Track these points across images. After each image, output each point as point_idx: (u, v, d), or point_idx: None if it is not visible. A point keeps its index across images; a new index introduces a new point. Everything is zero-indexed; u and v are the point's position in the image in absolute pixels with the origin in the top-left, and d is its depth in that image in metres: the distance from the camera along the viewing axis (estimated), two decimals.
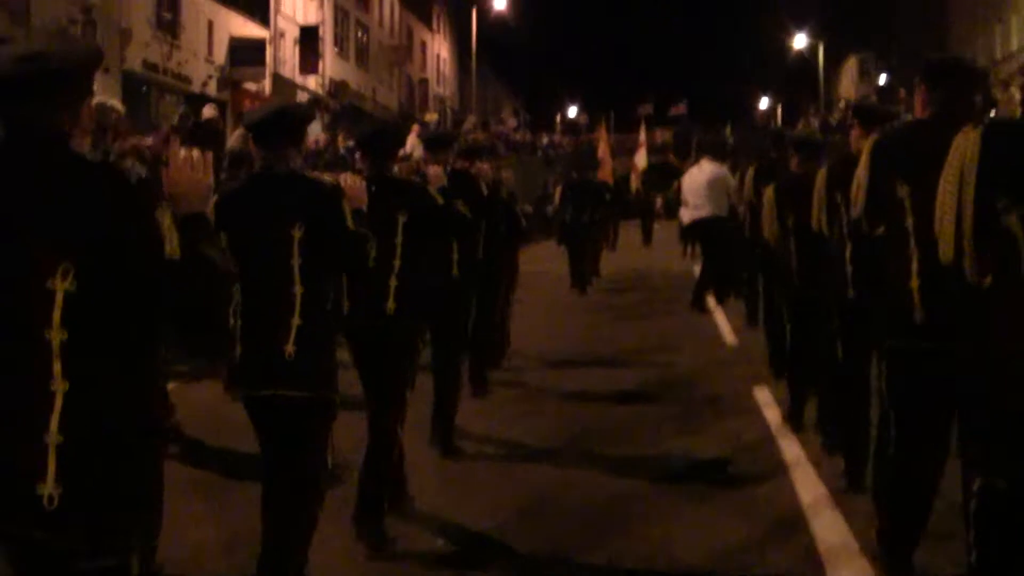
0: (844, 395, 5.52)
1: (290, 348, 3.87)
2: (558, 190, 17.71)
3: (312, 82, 34.67)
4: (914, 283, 3.85)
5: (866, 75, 53.04)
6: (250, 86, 29.62)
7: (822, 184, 5.24)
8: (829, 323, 5.50)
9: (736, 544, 4.82)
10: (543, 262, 17.25)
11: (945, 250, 2.68)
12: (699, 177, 12.60)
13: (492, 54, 53.81)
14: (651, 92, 50.41)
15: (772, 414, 7.23)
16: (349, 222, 4.04)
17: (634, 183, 26.92)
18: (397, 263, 5.02)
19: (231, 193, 4.24)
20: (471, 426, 6.91)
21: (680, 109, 47.65)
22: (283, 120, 4.14)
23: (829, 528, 4.92)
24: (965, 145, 2.59)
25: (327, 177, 4.48)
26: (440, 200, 5.37)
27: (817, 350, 6.03)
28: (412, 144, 15.18)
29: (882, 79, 47.07)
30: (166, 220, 2.36)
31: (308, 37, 33.78)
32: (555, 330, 11.82)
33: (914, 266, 3.85)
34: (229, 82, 28.38)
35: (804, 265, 6.15)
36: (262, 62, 29.62)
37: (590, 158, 22.45)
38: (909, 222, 3.86)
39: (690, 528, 5.07)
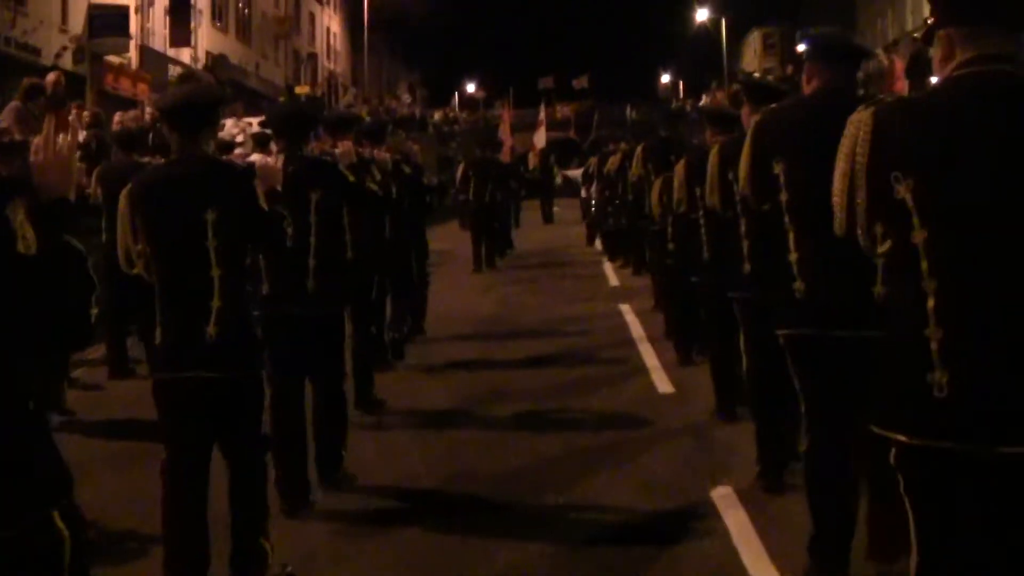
0: (750, 370, 5.70)
1: (211, 330, 4.13)
2: (460, 168, 18.18)
3: (186, 55, 33.03)
4: (792, 256, 4.10)
5: (770, 48, 54.53)
6: (113, 59, 27.83)
7: (715, 161, 5.61)
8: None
9: (635, 494, 5.60)
10: (446, 241, 17.88)
11: (839, 223, 2.81)
12: None
13: (386, 28, 53.38)
14: (552, 66, 51.08)
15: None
16: (262, 202, 4.29)
17: (532, 162, 27.47)
18: (313, 241, 5.38)
19: (145, 179, 4.52)
20: (393, 398, 7.61)
21: (582, 83, 48.27)
22: (196, 104, 4.39)
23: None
24: (857, 123, 2.70)
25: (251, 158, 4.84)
26: (351, 178, 5.78)
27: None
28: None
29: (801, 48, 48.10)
30: (18, 216, 2.36)
31: (179, 6, 32.21)
32: (465, 305, 12.53)
33: (791, 240, 4.09)
34: (88, 54, 26.47)
35: (711, 240, 6.54)
36: (126, 32, 27.61)
37: (491, 137, 22.89)
38: (783, 197, 4.11)
39: (591, 481, 5.86)
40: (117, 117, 14.76)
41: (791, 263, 4.11)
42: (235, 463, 4.34)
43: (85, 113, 13.07)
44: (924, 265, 2.55)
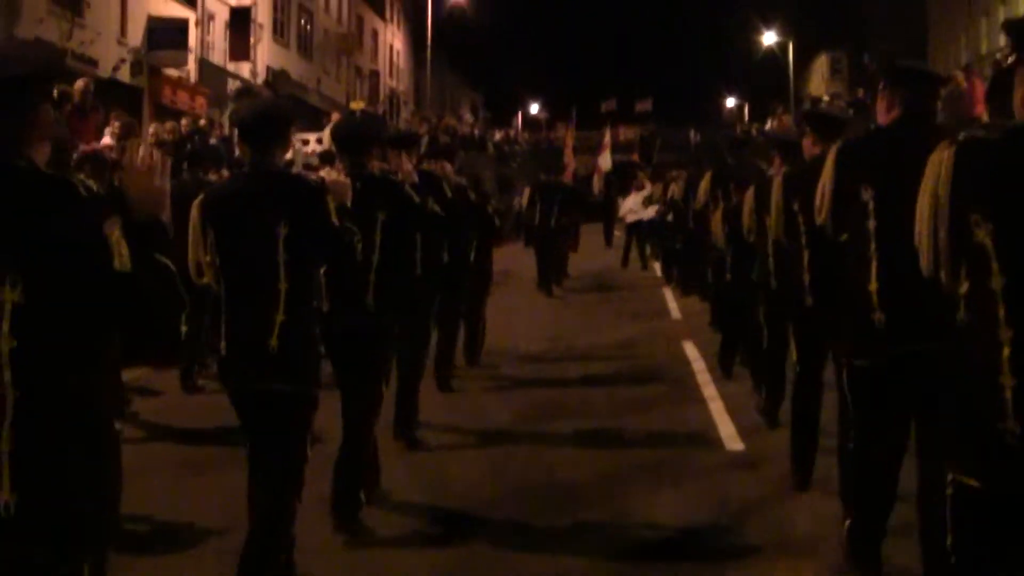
0: (796, 399, 5.98)
1: (273, 343, 4.21)
2: (527, 192, 18.37)
3: (245, 70, 32.97)
4: (873, 286, 4.10)
5: (837, 73, 54.13)
6: (171, 72, 27.65)
7: (779, 192, 5.63)
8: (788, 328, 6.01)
9: (686, 511, 5.78)
10: (509, 262, 18.03)
11: (925, 264, 2.78)
12: None
13: (449, 47, 53.76)
14: (615, 88, 51.04)
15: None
16: (333, 219, 4.35)
17: (596, 185, 27.50)
18: (376, 259, 5.43)
19: (218, 191, 4.65)
20: (439, 418, 7.73)
21: (645, 105, 48.12)
22: (270, 118, 4.51)
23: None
24: (939, 162, 2.68)
25: (322, 173, 4.92)
26: (416, 199, 5.86)
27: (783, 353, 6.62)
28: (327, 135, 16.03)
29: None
30: (115, 233, 2.45)
31: (239, 20, 32.15)
32: (523, 328, 12.68)
33: (873, 269, 4.10)
34: (146, 67, 26.32)
35: (780, 269, 6.43)
36: (184, 45, 27.56)
37: (555, 159, 23.06)
38: (871, 225, 4.11)
39: (647, 498, 6.02)
40: (152, 129, 14.98)
41: (872, 293, 4.10)
42: (270, 477, 4.31)
43: (116, 123, 13.16)
44: (1001, 312, 2.53)
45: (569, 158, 24.72)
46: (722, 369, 9.23)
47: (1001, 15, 36.01)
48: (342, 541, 5.23)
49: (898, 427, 4.20)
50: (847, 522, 4.53)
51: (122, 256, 2.43)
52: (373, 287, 5.47)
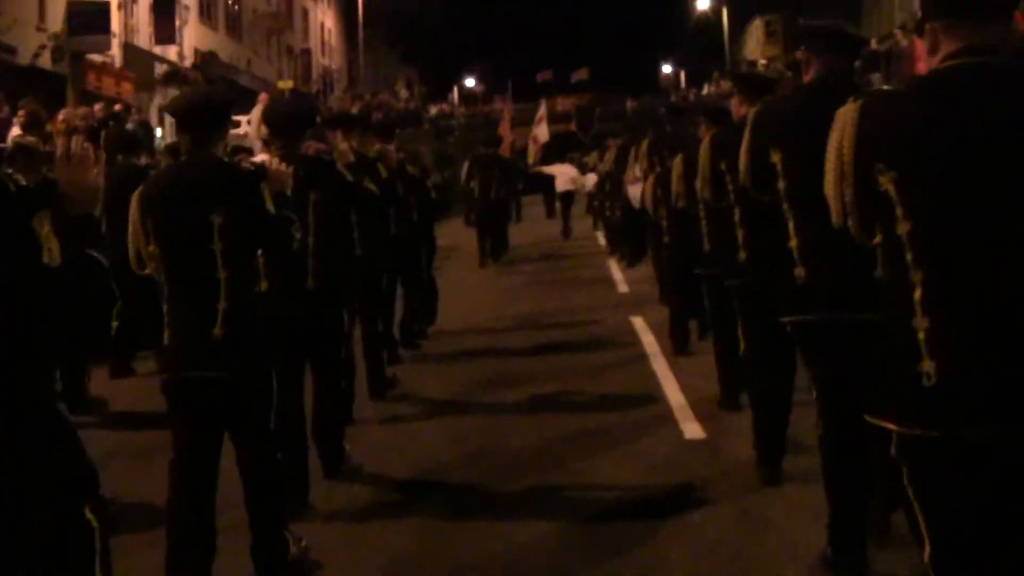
0: (749, 363, 5.82)
1: (217, 331, 4.28)
2: (464, 166, 18.54)
3: (173, 53, 32.37)
4: (793, 242, 4.25)
5: (772, 36, 54.57)
6: (95, 57, 27.11)
7: (706, 153, 5.76)
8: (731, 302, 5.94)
9: (634, 472, 6.01)
10: (454, 236, 18.38)
11: (835, 215, 2.85)
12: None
13: (383, 23, 53.43)
14: (551, 60, 51.15)
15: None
16: (269, 206, 4.43)
17: (533, 156, 27.59)
18: (312, 241, 5.50)
19: (156, 181, 4.68)
20: (401, 388, 8.11)
21: (581, 75, 48.30)
22: (208, 107, 4.56)
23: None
24: (844, 116, 2.77)
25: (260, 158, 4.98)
26: (349, 178, 5.93)
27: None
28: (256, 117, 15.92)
29: None
30: (44, 228, 2.48)
31: (163, 2, 31.66)
32: (468, 302, 12.89)
33: (791, 227, 4.24)
34: (67, 53, 25.77)
35: (712, 231, 6.61)
36: (107, 29, 26.87)
37: (492, 133, 23.15)
38: (781, 185, 4.26)
39: (597, 461, 6.27)
40: (62, 115, 14.63)
41: (792, 249, 4.26)
42: (248, 460, 4.48)
43: (22, 113, 13.01)
44: (909, 256, 2.63)
45: (505, 131, 24.79)
46: (673, 345, 9.15)
47: None
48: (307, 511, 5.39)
49: (845, 382, 4.16)
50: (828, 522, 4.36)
51: (51, 251, 2.47)
52: (312, 271, 5.55)
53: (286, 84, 28.62)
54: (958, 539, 2.62)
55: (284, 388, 5.50)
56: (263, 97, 22.47)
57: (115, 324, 4.76)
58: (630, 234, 14.98)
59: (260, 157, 5.08)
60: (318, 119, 8.90)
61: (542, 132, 27.60)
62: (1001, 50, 2.70)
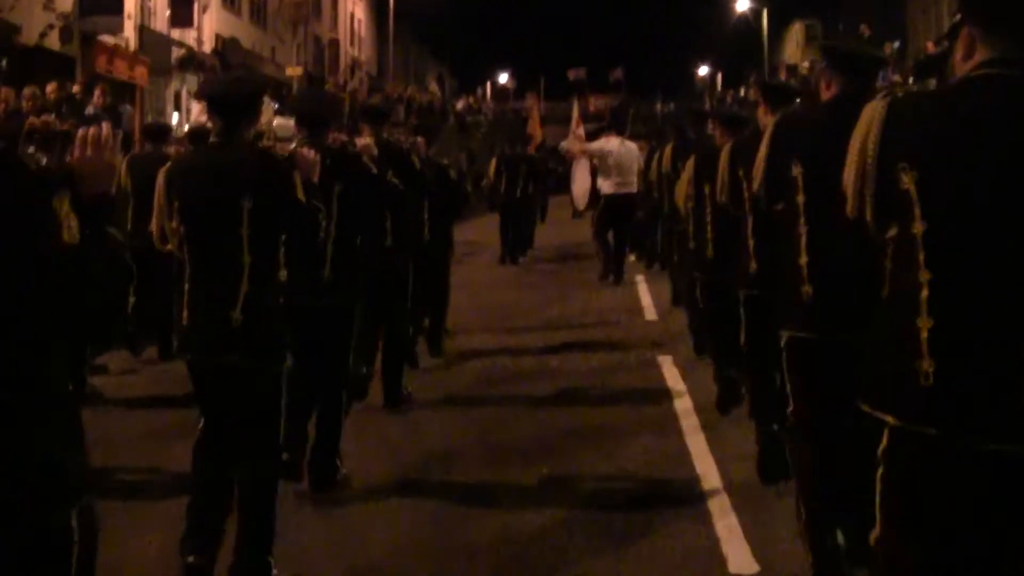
0: (749, 369, 6.14)
1: (237, 315, 4.36)
2: (492, 163, 18.73)
3: (191, 38, 31.59)
4: (803, 259, 4.31)
5: (812, 40, 54.45)
6: (107, 39, 26.06)
7: (726, 159, 5.91)
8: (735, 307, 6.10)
9: (637, 465, 6.39)
10: (473, 233, 18.67)
11: (850, 206, 2.93)
12: (627, 154, 14.47)
13: (415, 16, 53.54)
14: (586, 57, 51.22)
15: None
16: (299, 194, 4.52)
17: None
18: (333, 231, 5.64)
19: (183, 162, 4.82)
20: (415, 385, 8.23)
21: (617, 74, 48.32)
22: (240, 92, 4.69)
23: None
24: (871, 113, 2.85)
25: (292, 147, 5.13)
26: (374, 170, 6.13)
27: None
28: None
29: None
30: (64, 206, 2.51)
31: None
32: (486, 299, 13.20)
33: (803, 243, 4.32)
34: (77, 33, 24.74)
35: (718, 238, 6.91)
36: (120, 10, 26.06)
37: (520, 130, 23.32)
38: (800, 200, 4.33)
39: (603, 453, 6.61)
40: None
41: (801, 266, 4.35)
42: (247, 463, 4.52)
43: (26, 94, 13.07)
44: (921, 256, 2.72)
45: (534, 128, 24.95)
46: (695, 347, 9.34)
47: None
48: (311, 507, 5.61)
49: (833, 403, 4.26)
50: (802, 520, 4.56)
51: (71, 229, 2.52)
52: (330, 260, 5.69)
53: (295, 71, 28.23)
54: (912, 539, 2.75)
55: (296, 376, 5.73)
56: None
57: (132, 300, 4.91)
58: (650, 236, 15.21)
59: (298, 148, 5.16)
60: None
61: (581, 131, 27.74)
62: None
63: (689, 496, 5.82)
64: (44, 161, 2.69)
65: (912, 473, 2.76)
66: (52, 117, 9.71)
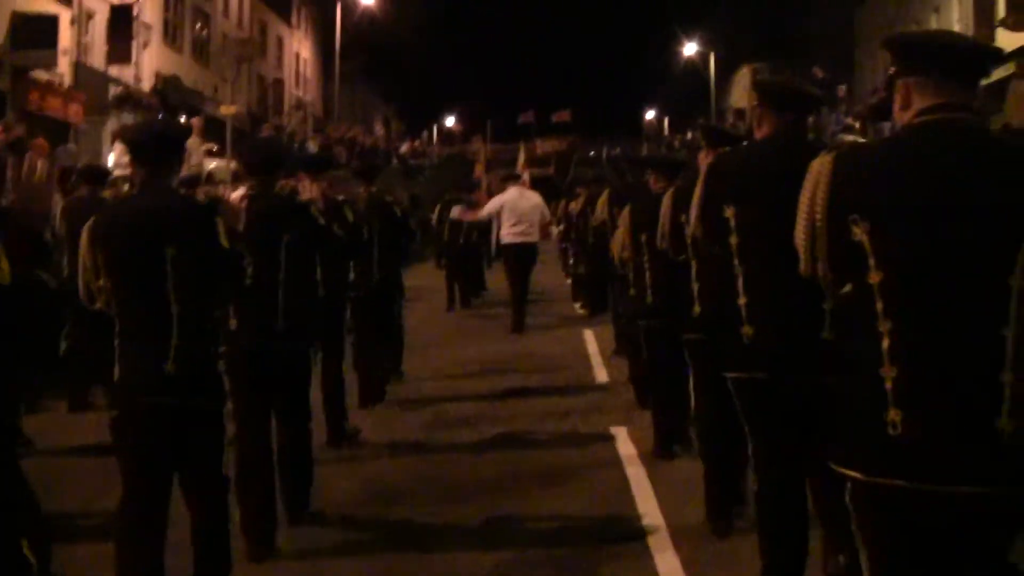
0: (699, 416, 6.15)
1: (170, 367, 4.34)
2: (436, 209, 18.75)
3: (129, 74, 30.80)
4: (741, 300, 4.40)
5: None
6: (40, 74, 25.42)
7: (668, 204, 5.96)
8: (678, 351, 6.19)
9: (583, 505, 6.60)
10: (418, 278, 18.72)
11: (803, 264, 3.01)
12: (525, 203, 14.82)
13: (362, 57, 53.62)
14: (534, 100, 51.59)
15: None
16: (223, 240, 4.52)
17: None
18: (282, 279, 5.74)
19: (108, 213, 4.78)
20: (368, 431, 8.46)
21: (564, 116, 48.60)
22: (163, 138, 4.73)
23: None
24: (819, 168, 2.92)
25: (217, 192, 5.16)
26: (321, 221, 6.15)
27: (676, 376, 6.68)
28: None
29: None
30: None
31: (120, 19, 29.76)
32: (433, 345, 13.39)
33: (740, 284, 4.41)
34: (8, 67, 24.23)
35: (657, 282, 7.03)
36: (54, 44, 25.27)
37: (467, 173, 23.39)
38: (733, 240, 4.41)
39: (549, 494, 6.83)
40: None
41: (740, 307, 4.42)
42: (196, 506, 4.55)
43: None
44: (879, 306, 2.78)
45: (480, 173, 25.09)
46: (637, 397, 9.37)
47: (934, 24, 36.57)
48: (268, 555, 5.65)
49: (786, 440, 4.40)
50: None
51: (2, 271, 2.57)
52: (282, 309, 5.75)
53: (229, 109, 27.95)
54: None
55: (249, 429, 5.74)
56: (196, 122, 22.29)
57: (64, 345, 4.89)
58: (592, 283, 15.32)
59: (226, 193, 5.23)
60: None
61: (526, 176, 27.91)
62: (969, 110, 2.91)
63: (632, 533, 5.98)
64: None
65: (885, 523, 2.83)
66: None
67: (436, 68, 65.56)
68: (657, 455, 7.44)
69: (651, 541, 5.85)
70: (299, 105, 49.53)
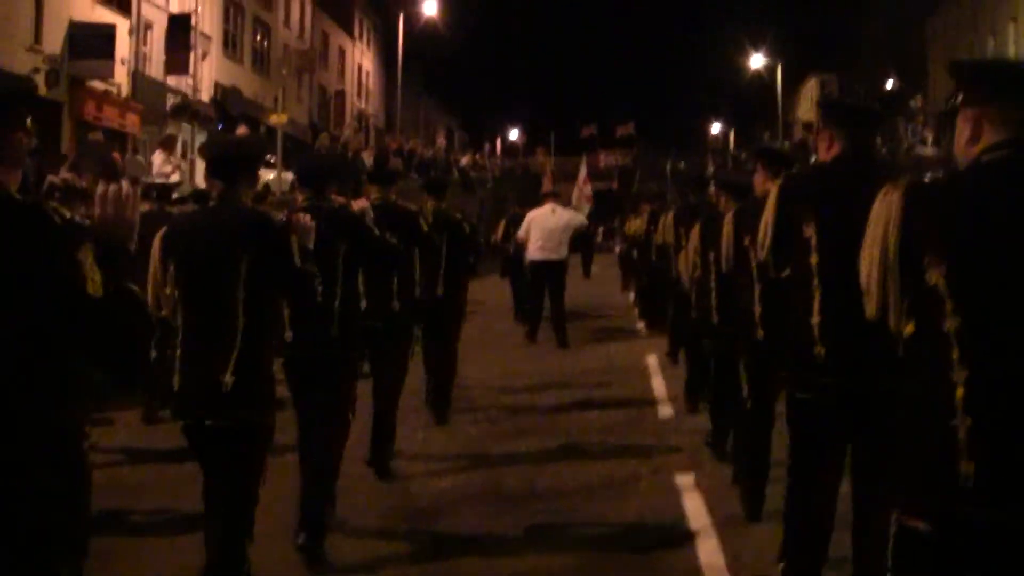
0: (749, 431, 6.44)
1: (228, 378, 4.43)
2: (502, 223, 18.78)
3: (187, 84, 31.26)
4: (815, 319, 4.37)
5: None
6: (97, 85, 25.95)
7: (730, 227, 6.06)
8: (739, 362, 6.36)
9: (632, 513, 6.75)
10: (483, 292, 18.73)
11: (870, 307, 2.89)
12: (555, 220, 15.03)
13: (425, 70, 53.87)
14: (597, 113, 51.59)
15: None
16: (296, 260, 4.62)
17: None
18: (339, 290, 5.85)
19: (180, 224, 4.94)
20: (413, 447, 8.47)
21: (627, 129, 48.48)
22: (240, 153, 4.87)
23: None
24: (888, 206, 2.79)
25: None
26: (375, 232, 6.27)
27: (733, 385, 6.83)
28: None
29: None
30: (88, 259, 2.60)
31: (177, 29, 30.03)
32: (496, 358, 13.56)
33: (816, 303, 4.38)
34: (65, 78, 24.48)
35: (723, 302, 7.08)
36: (111, 54, 25.50)
37: (530, 187, 23.35)
38: (813, 260, 4.39)
39: (602, 507, 6.90)
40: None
41: (812, 326, 4.39)
42: (222, 518, 4.56)
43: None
44: (955, 354, 2.65)
45: (548, 187, 25.03)
46: (688, 402, 9.74)
47: (1012, 33, 35.73)
48: (304, 568, 5.67)
49: (833, 464, 4.50)
50: (780, 566, 4.77)
51: (95, 282, 2.60)
52: (337, 318, 5.86)
53: (280, 118, 27.80)
54: None
55: (304, 432, 5.93)
56: (242, 128, 22.57)
57: (154, 355, 5.09)
58: (653, 299, 15.26)
59: (295, 213, 5.28)
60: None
61: (587, 190, 27.90)
62: None
63: (683, 537, 6.19)
64: (69, 215, 2.74)
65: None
66: (71, 174, 9.85)
67: (499, 80, 65.85)
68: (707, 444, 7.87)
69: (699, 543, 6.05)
70: (360, 117, 49.88)
